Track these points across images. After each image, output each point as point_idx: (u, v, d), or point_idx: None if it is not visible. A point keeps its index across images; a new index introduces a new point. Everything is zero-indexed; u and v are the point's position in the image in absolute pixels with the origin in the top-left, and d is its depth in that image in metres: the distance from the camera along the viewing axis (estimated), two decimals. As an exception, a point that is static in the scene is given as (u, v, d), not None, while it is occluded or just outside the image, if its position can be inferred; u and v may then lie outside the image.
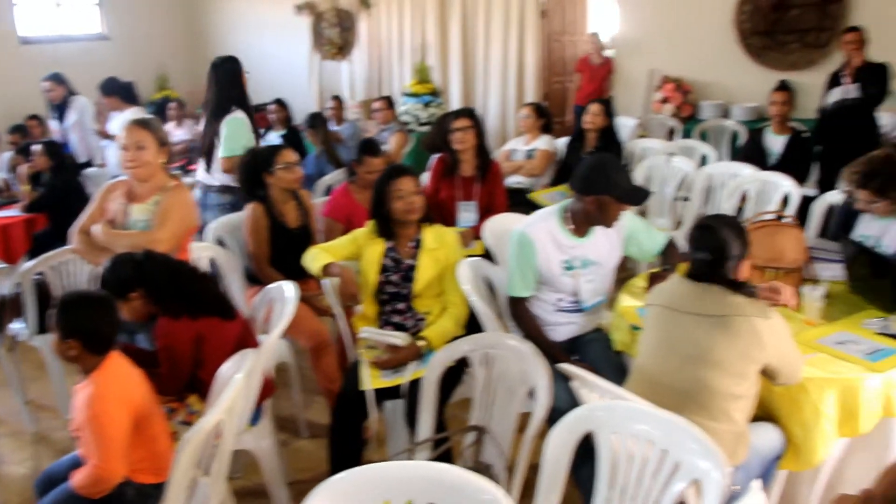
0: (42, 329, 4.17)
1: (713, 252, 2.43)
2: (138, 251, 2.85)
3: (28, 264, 4.09)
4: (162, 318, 2.76)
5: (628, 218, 3.19)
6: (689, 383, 2.37)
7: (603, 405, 2.22)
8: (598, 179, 2.96)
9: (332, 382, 3.64)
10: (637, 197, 3.04)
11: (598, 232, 3.13)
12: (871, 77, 5.59)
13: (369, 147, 4.42)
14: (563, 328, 3.17)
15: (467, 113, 4.69)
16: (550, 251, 3.07)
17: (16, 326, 4.28)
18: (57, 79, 6.95)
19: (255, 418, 3.03)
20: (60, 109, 6.96)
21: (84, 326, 2.38)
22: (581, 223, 3.09)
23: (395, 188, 3.23)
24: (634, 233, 3.23)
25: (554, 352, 2.92)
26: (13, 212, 5.71)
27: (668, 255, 3.25)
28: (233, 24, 10.44)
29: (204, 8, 10.66)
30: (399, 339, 3.10)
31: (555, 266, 3.07)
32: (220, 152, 4.58)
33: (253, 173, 4.04)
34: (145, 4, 10.16)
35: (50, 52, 8.93)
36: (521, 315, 3.13)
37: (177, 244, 3.29)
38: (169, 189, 3.33)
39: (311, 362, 3.77)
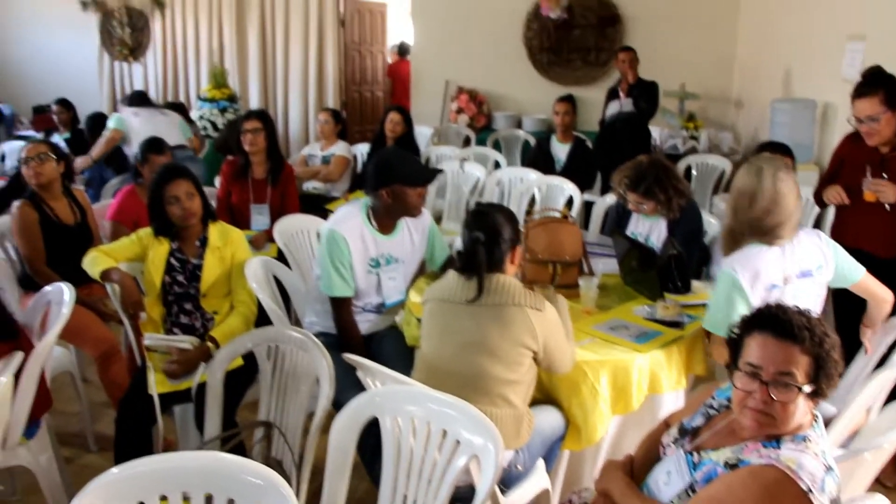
0: None
1: (486, 234, 2.51)
2: None
3: None
4: None
5: (430, 219, 3.28)
6: (468, 370, 2.45)
7: (383, 390, 2.26)
8: (384, 171, 3.05)
9: (122, 391, 3.44)
10: (424, 176, 3.14)
11: (404, 230, 3.21)
12: (643, 93, 6.05)
13: (154, 146, 4.25)
14: (361, 325, 3.20)
15: (258, 115, 4.63)
16: (360, 249, 3.10)
17: None
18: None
19: (31, 432, 2.79)
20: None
21: None
22: (384, 219, 3.15)
23: (170, 193, 3.12)
24: (433, 237, 3.35)
25: (359, 349, 2.93)
26: None
27: (447, 268, 3.33)
28: (9, 17, 9.65)
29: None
30: (186, 342, 2.99)
31: (361, 265, 3.11)
32: None
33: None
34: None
35: None
36: (341, 314, 3.13)
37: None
38: None
39: (99, 371, 3.55)
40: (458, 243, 2.77)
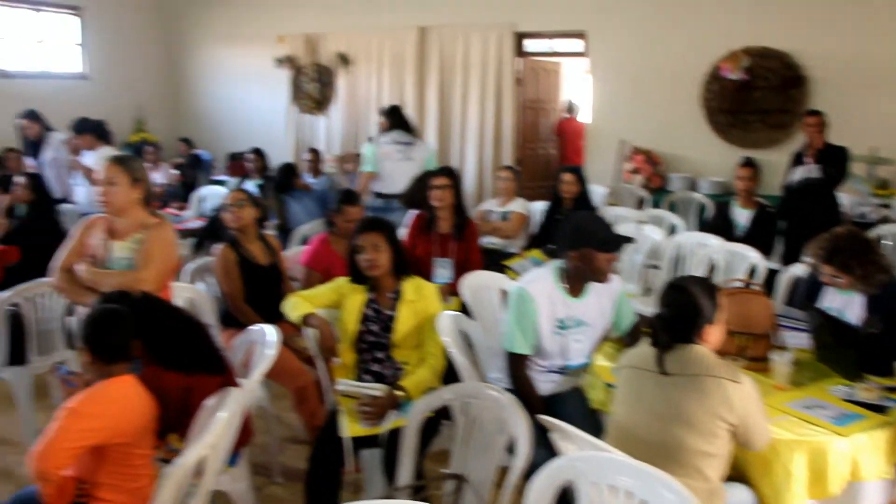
0: (13, 360, 4.15)
1: (684, 311, 2.52)
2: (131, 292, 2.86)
3: (2, 294, 4.07)
4: (152, 367, 2.75)
5: (621, 285, 3.31)
6: (663, 440, 2.44)
7: (583, 455, 2.28)
8: (576, 234, 3.10)
9: (319, 422, 3.66)
10: (615, 243, 3.16)
11: (593, 294, 3.24)
12: (832, 158, 5.83)
13: (348, 197, 4.51)
14: (542, 385, 3.24)
15: (447, 171, 4.82)
16: (548, 310, 3.16)
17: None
18: (33, 116, 6.99)
19: (233, 460, 3.03)
20: (35, 146, 6.97)
21: (92, 336, 2.52)
22: (574, 281, 3.19)
23: (359, 242, 3.33)
24: (622, 303, 3.35)
25: (539, 407, 2.99)
26: (-11, 242, 5.66)
27: (634, 334, 3.34)
28: (213, 71, 10.57)
29: (185, 54, 10.78)
30: (376, 390, 3.15)
31: (548, 325, 3.16)
32: None
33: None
34: (126, 47, 10.26)
35: (29, 87, 8.95)
36: (517, 371, 3.19)
37: (161, 284, 3.30)
38: (150, 227, 3.34)
39: (295, 404, 3.79)
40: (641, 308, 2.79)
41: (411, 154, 6.21)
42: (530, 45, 8.72)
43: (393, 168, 6.19)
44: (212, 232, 6.78)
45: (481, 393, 2.63)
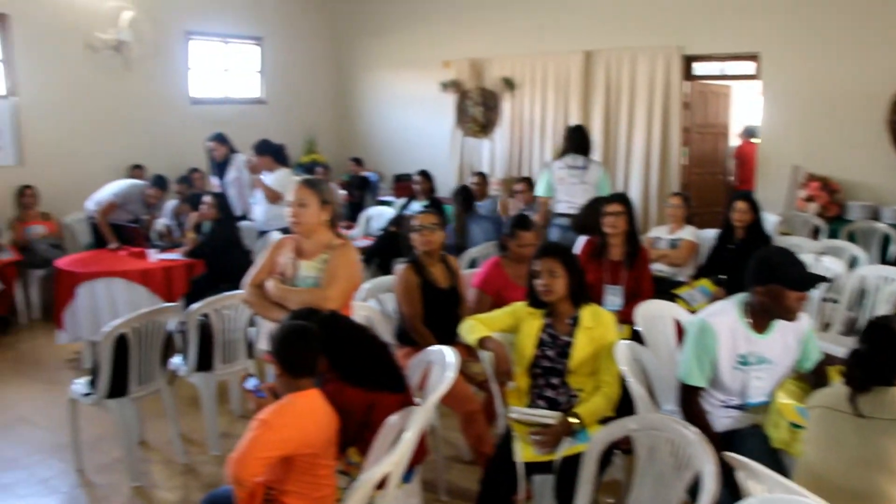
0: (201, 367, 4.45)
1: (883, 347, 2.39)
2: (318, 309, 3.00)
3: (195, 306, 4.37)
4: (336, 382, 2.87)
5: (809, 323, 3.16)
6: (862, 487, 2.31)
7: (776, 498, 2.19)
8: (764, 269, 2.97)
9: (485, 447, 3.70)
10: (806, 282, 3.01)
11: (778, 331, 3.10)
12: None
13: (522, 222, 4.54)
14: (718, 420, 3.13)
15: (620, 198, 4.78)
16: (730, 344, 3.05)
17: (176, 361, 4.56)
18: (221, 139, 7.47)
19: (408, 477, 3.10)
20: (221, 166, 7.45)
21: (282, 351, 2.67)
22: (759, 317, 3.07)
23: (535, 266, 3.35)
24: (808, 341, 3.18)
25: (716, 444, 2.90)
26: (176, 255, 6.11)
27: (820, 373, 3.17)
28: (380, 96, 10.95)
29: (353, 79, 11.22)
30: (551, 418, 3.15)
31: (728, 360, 3.06)
32: None
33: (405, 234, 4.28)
34: (300, 74, 10.80)
35: (215, 112, 9.59)
36: (690, 403, 3.10)
37: (344, 302, 3.43)
38: (336, 247, 3.45)
39: (462, 426, 3.85)
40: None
41: (585, 178, 6.23)
42: (699, 68, 8.50)
43: (566, 192, 6.25)
44: (379, 251, 7.04)
45: (667, 426, 2.58)
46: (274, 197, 6.67)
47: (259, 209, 7.04)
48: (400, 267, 4.27)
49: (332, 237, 3.47)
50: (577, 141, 6.40)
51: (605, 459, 3.04)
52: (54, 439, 4.79)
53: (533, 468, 3.06)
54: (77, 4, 8.14)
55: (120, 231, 6.71)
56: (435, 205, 7.36)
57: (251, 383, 2.99)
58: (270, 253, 3.58)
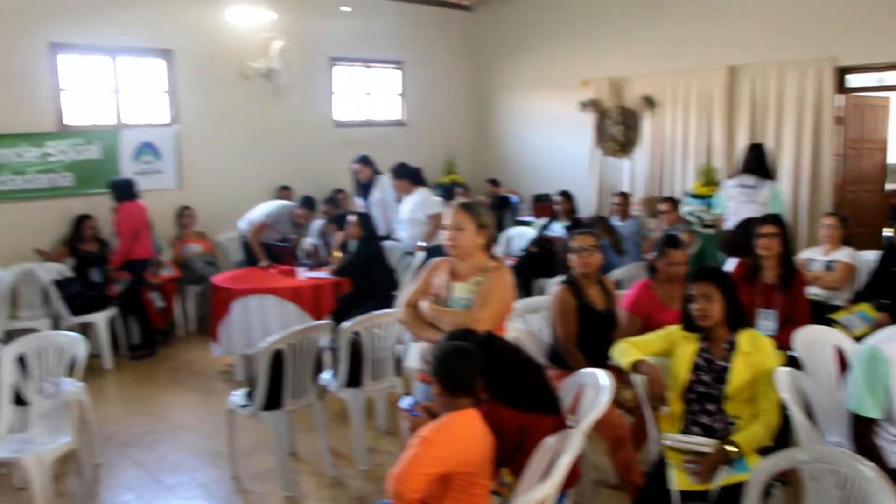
0: (350, 382, 4.58)
1: None
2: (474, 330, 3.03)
3: (347, 324, 4.51)
4: (492, 403, 2.88)
5: None
6: None
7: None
8: None
9: (632, 474, 3.64)
10: None
11: None
12: None
13: (671, 240, 4.45)
14: (893, 456, 2.94)
15: (774, 219, 4.61)
16: None
17: (326, 377, 4.71)
18: (366, 161, 7.72)
19: (561, 500, 3.07)
20: (365, 187, 7.68)
21: (442, 370, 2.72)
22: None
23: (691, 291, 3.28)
24: None
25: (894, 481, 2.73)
26: (323, 274, 6.33)
27: None
28: (518, 116, 11.00)
29: (491, 100, 11.33)
30: (707, 446, 3.06)
31: None
32: None
33: (562, 254, 4.26)
34: (440, 96, 11.00)
35: (357, 134, 9.92)
36: (864, 436, 2.92)
37: (497, 324, 3.44)
38: (490, 270, 3.46)
39: (609, 451, 3.80)
40: None
41: (755, 197, 6.15)
42: (853, 79, 8.09)
43: (736, 209, 6.22)
44: (520, 271, 7.05)
45: (841, 460, 2.44)
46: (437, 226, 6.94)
47: (402, 231, 7.23)
48: (556, 288, 4.25)
49: (487, 260, 3.48)
50: (749, 160, 6.35)
51: (765, 491, 2.92)
52: (211, 446, 5.05)
53: (688, 497, 2.98)
54: (232, 37, 8.60)
55: (270, 250, 7.02)
56: (576, 226, 7.33)
57: (407, 402, 3.05)
58: (426, 274, 3.63)
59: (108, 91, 8.03)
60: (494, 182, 10.23)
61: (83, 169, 7.67)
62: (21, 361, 4.30)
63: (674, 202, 7.18)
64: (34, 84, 7.42)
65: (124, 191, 7.11)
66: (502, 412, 2.85)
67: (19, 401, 4.24)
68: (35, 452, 3.91)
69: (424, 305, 3.47)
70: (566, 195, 7.63)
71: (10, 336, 6.43)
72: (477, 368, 2.77)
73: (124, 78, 8.11)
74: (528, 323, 4.50)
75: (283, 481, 4.36)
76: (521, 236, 7.82)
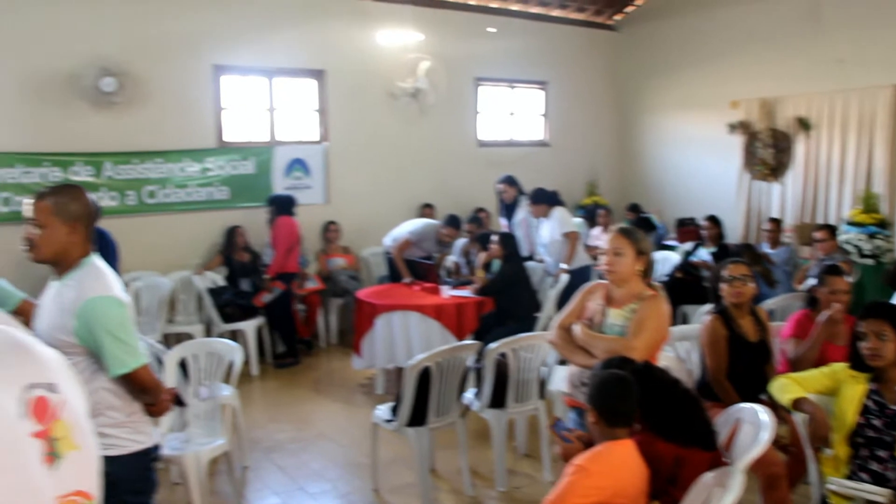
0: (494, 403, 4.57)
1: None
2: (631, 359, 2.96)
3: (493, 345, 4.51)
4: (648, 434, 2.81)
5: None
6: None
7: None
8: None
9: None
10: None
11: None
12: None
13: (832, 268, 4.22)
14: None
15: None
16: None
17: (469, 396, 4.72)
18: (511, 181, 7.75)
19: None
20: (510, 208, 7.70)
21: (599, 399, 2.67)
22: None
23: (861, 328, 3.10)
24: None
25: None
26: (466, 292, 6.36)
27: None
28: (662, 137, 10.77)
29: (635, 121, 11.15)
30: (880, 496, 2.86)
31: None
32: None
33: (713, 283, 4.11)
34: (583, 117, 10.92)
35: (500, 154, 9.97)
36: None
37: (650, 353, 3.36)
38: (646, 298, 3.38)
39: (762, 489, 3.62)
40: None
41: None
42: None
43: None
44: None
45: None
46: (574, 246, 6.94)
47: (545, 253, 7.22)
48: (706, 318, 4.10)
49: (644, 287, 3.41)
50: None
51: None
52: (352, 457, 5.16)
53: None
54: (381, 57, 8.84)
55: (414, 266, 7.12)
56: (723, 252, 7.08)
57: (560, 427, 3.01)
58: (580, 298, 3.58)
59: (264, 110, 8.40)
60: (635, 208, 9.92)
61: (238, 183, 8.05)
62: (182, 365, 4.52)
63: (831, 230, 6.80)
64: (198, 104, 7.87)
65: (285, 206, 7.45)
66: (658, 444, 2.77)
67: (178, 402, 4.46)
68: (194, 451, 4.10)
69: (577, 329, 3.42)
70: (713, 220, 7.39)
71: (167, 339, 6.82)
72: (635, 398, 2.70)
73: (279, 97, 8.47)
74: (676, 351, 4.36)
75: (422, 497, 4.40)
76: (664, 261, 7.62)
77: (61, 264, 2.68)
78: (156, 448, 2.91)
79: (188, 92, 7.76)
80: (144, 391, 2.70)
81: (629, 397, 2.68)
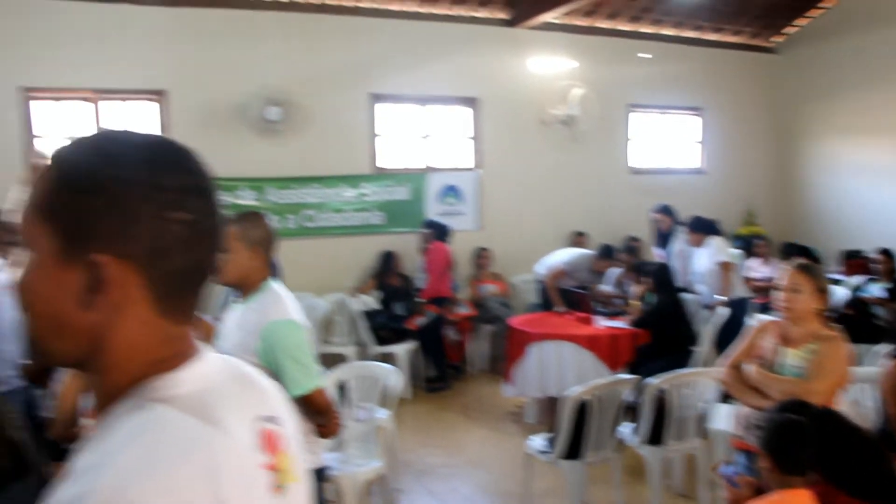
0: (651, 439, 4.44)
1: None
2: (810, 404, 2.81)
3: (652, 380, 4.39)
4: (826, 486, 2.65)
5: None
6: None
7: None
8: None
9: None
10: None
11: None
12: None
13: None
14: None
15: None
16: None
17: (624, 431, 4.61)
18: (666, 210, 7.57)
19: None
20: (665, 237, 7.51)
21: (774, 444, 2.53)
22: None
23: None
24: None
25: None
26: (621, 323, 6.24)
27: None
28: (825, 164, 10.26)
29: (796, 147, 10.66)
30: None
31: None
32: None
33: (893, 323, 3.85)
34: (740, 144, 10.54)
35: (653, 182, 9.76)
36: None
37: (829, 398, 3.18)
38: (825, 338, 3.24)
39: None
40: None
41: None
42: None
43: None
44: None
45: None
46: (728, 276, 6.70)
47: (701, 285, 7.00)
48: (886, 361, 3.82)
49: (822, 327, 3.27)
50: None
51: None
52: (502, 486, 5.15)
53: None
54: (534, 85, 8.88)
55: (567, 295, 7.05)
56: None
57: (728, 471, 2.89)
58: (752, 335, 3.45)
59: (418, 137, 8.59)
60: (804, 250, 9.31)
61: (393, 209, 8.26)
62: (340, 387, 4.64)
63: None
64: (354, 131, 8.16)
65: (442, 232, 7.61)
66: (839, 498, 2.59)
67: (337, 423, 4.59)
68: (351, 472, 4.19)
69: (751, 369, 3.28)
70: (887, 253, 6.94)
71: (322, 359, 7.03)
72: (814, 446, 2.54)
73: (433, 124, 8.65)
74: (851, 394, 4.09)
75: (575, 531, 4.32)
76: (830, 294, 7.20)
77: (244, 287, 2.82)
78: (325, 468, 2.99)
79: (345, 119, 8.05)
80: (318, 412, 2.79)
81: (807, 444, 2.53)
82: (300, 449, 1.10)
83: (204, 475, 0.86)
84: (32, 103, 7.06)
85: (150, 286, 0.93)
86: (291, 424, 1.11)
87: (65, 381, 2.97)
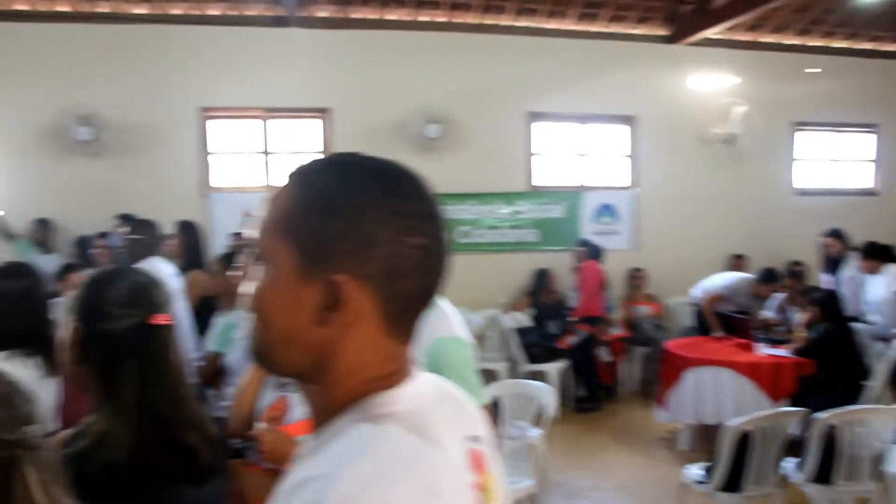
0: (819, 478, 4.23)
1: None
2: None
3: (822, 414, 4.19)
4: None
5: None
6: None
7: None
8: None
9: None
10: None
11: None
12: None
13: None
14: None
15: None
16: None
17: (788, 466, 4.41)
18: (837, 234, 7.21)
19: None
20: (834, 263, 7.15)
21: None
22: None
23: None
24: None
25: None
26: (784, 352, 5.97)
27: None
28: None
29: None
30: None
31: None
32: None
33: None
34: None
35: (819, 203, 9.26)
36: None
37: None
38: None
39: None
40: None
41: None
42: None
43: None
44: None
45: None
46: None
47: (877, 311, 6.62)
48: None
49: None
50: None
51: None
52: (653, 512, 5.03)
53: None
54: (693, 103, 8.67)
55: (726, 320, 6.82)
56: None
57: None
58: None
59: (574, 155, 8.57)
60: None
61: (547, 226, 8.29)
62: (494, 404, 4.68)
63: None
64: (511, 149, 8.26)
65: (595, 252, 7.59)
66: None
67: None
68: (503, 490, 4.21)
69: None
70: None
71: (474, 375, 7.11)
72: None
73: (589, 142, 8.60)
74: None
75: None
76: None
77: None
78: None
79: (502, 137, 8.15)
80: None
81: None
82: (500, 469, 1.14)
83: (426, 492, 0.89)
84: (209, 122, 7.60)
85: (382, 307, 0.96)
86: (491, 444, 1.13)
87: (242, 384, 3.14)
